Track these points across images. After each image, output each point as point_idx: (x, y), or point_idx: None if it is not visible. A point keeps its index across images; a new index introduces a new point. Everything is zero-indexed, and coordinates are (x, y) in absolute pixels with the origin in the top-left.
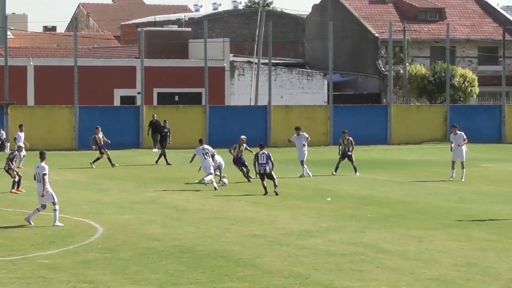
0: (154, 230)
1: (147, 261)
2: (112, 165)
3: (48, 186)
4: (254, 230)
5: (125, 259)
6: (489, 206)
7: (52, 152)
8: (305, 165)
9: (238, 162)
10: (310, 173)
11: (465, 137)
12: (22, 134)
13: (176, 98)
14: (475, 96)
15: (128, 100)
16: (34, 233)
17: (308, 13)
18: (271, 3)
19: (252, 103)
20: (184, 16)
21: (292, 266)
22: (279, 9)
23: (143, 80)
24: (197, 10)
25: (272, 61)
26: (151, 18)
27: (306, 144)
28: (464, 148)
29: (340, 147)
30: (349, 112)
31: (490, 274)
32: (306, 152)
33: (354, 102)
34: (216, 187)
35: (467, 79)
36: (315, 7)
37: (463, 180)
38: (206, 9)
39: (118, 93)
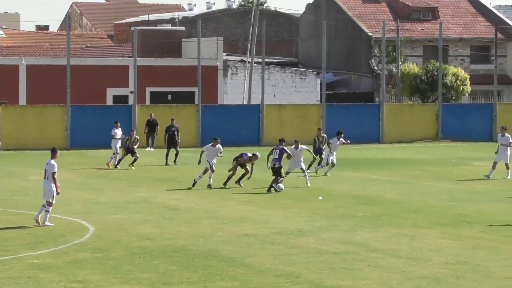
0: (146, 229)
1: (138, 260)
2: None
3: (53, 185)
4: (246, 229)
5: (116, 258)
6: (480, 205)
7: (44, 151)
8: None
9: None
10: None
11: (511, 140)
12: None
13: (169, 97)
14: (467, 95)
15: (120, 99)
16: (25, 233)
17: (302, 12)
18: (265, 2)
19: (245, 102)
20: (178, 15)
21: (283, 265)
22: (272, 8)
23: (136, 79)
24: (190, 9)
25: (266, 60)
26: (144, 17)
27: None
28: (509, 150)
29: (315, 144)
30: (342, 111)
31: (480, 272)
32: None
33: (347, 101)
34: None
35: (459, 78)
36: (309, 6)
37: (508, 177)
38: (199, 8)
39: (111, 92)
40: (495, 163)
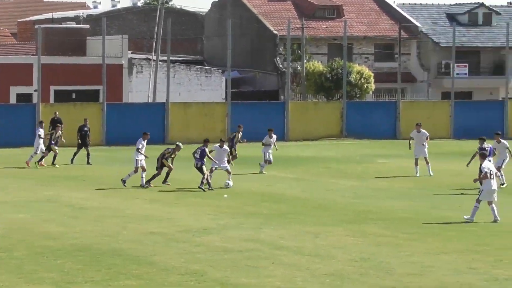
0: (50, 229)
1: (42, 260)
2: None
3: None
4: (151, 227)
5: (20, 258)
6: (383, 202)
7: None
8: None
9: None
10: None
11: (427, 135)
12: None
13: (74, 95)
14: (371, 92)
15: (24, 98)
16: None
17: (207, 10)
18: (170, 0)
19: (150, 100)
20: (82, 13)
21: (188, 263)
22: (178, 6)
23: (40, 78)
24: (95, 7)
25: (171, 58)
26: (49, 15)
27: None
28: (426, 145)
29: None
30: (247, 108)
31: (383, 268)
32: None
33: (252, 99)
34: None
35: (364, 76)
36: (214, 4)
37: (431, 173)
38: (104, 6)
39: (15, 91)
40: (416, 160)
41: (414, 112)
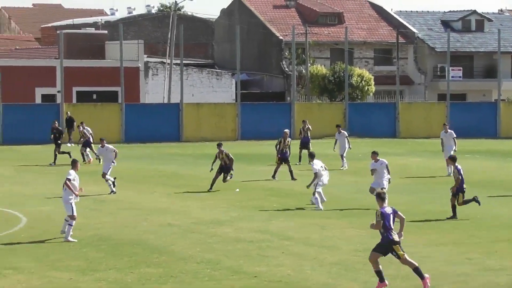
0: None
1: (68, 249)
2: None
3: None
4: (168, 219)
5: (48, 247)
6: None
7: None
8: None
9: (283, 157)
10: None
11: (454, 135)
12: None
13: (94, 96)
14: (371, 94)
15: (48, 98)
16: None
17: (216, 17)
18: (182, 7)
19: (165, 101)
20: (101, 19)
21: (203, 253)
22: (189, 13)
23: (63, 79)
24: (112, 14)
25: (184, 62)
26: (69, 21)
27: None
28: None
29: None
30: (256, 109)
31: (385, 259)
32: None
33: (260, 100)
34: None
35: (364, 79)
36: (223, 11)
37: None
38: (121, 13)
39: (39, 92)
40: (447, 160)
41: (412, 112)
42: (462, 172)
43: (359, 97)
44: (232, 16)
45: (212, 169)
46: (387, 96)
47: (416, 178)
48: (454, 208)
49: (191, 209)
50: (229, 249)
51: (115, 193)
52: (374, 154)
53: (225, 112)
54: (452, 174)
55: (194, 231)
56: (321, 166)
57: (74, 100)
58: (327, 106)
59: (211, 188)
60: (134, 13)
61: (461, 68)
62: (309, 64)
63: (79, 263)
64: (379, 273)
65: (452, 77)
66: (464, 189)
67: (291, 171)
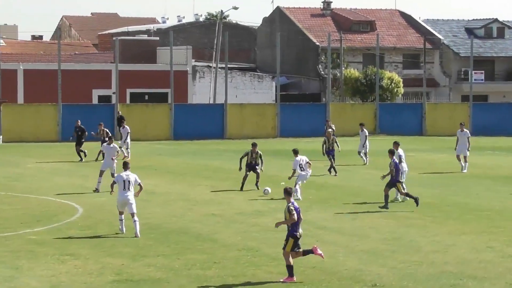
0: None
1: (120, 237)
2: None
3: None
4: (212, 210)
5: (102, 235)
6: (411, 189)
7: (39, 143)
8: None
9: (329, 153)
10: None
11: (469, 135)
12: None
13: (146, 97)
14: (400, 95)
15: (104, 99)
16: (23, 213)
17: (259, 24)
18: (228, 16)
19: (211, 102)
20: (153, 27)
21: (245, 241)
22: (234, 22)
23: (118, 82)
24: (163, 22)
25: (228, 65)
26: (124, 29)
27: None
28: (468, 145)
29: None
30: (294, 109)
31: (412, 247)
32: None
33: (298, 101)
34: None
35: (394, 81)
36: (265, 19)
37: (464, 171)
38: (171, 21)
39: (96, 93)
40: (457, 156)
41: (438, 112)
42: (398, 166)
43: (389, 98)
44: (273, 24)
45: (241, 168)
46: (414, 97)
47: (441, 174)
48: (386, 198)
49: (233, 200)
50: (268, 238)
51: (98, 191)
52: (396, 144)
53: (265, 112)
54: (389, 165)
55: (236, 221)
56: (303, 161)
57: (128, 101)
58: (360, 107)
59: (241, 189)
60: (184, 21)
61: (483, 71)
62: (343, 68)
63: (130, 250)
64: (290, 268)
65: (475, 80)
66: (400, 180)
67: (333, 167)
